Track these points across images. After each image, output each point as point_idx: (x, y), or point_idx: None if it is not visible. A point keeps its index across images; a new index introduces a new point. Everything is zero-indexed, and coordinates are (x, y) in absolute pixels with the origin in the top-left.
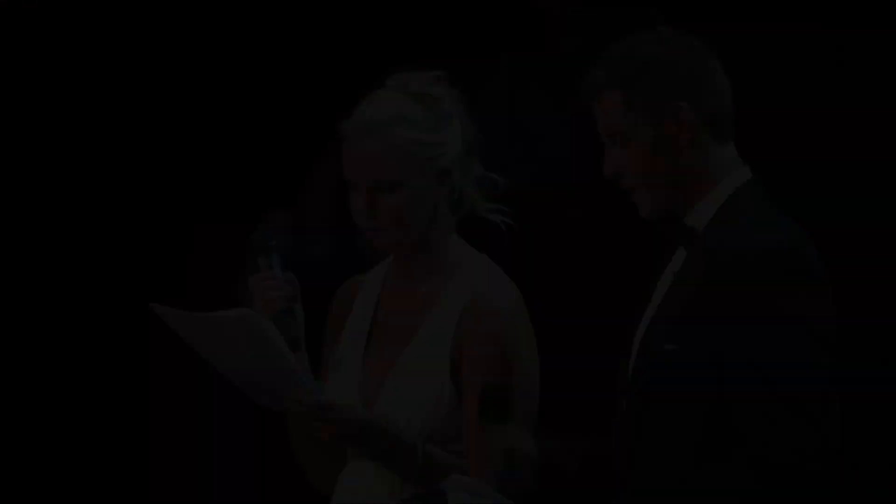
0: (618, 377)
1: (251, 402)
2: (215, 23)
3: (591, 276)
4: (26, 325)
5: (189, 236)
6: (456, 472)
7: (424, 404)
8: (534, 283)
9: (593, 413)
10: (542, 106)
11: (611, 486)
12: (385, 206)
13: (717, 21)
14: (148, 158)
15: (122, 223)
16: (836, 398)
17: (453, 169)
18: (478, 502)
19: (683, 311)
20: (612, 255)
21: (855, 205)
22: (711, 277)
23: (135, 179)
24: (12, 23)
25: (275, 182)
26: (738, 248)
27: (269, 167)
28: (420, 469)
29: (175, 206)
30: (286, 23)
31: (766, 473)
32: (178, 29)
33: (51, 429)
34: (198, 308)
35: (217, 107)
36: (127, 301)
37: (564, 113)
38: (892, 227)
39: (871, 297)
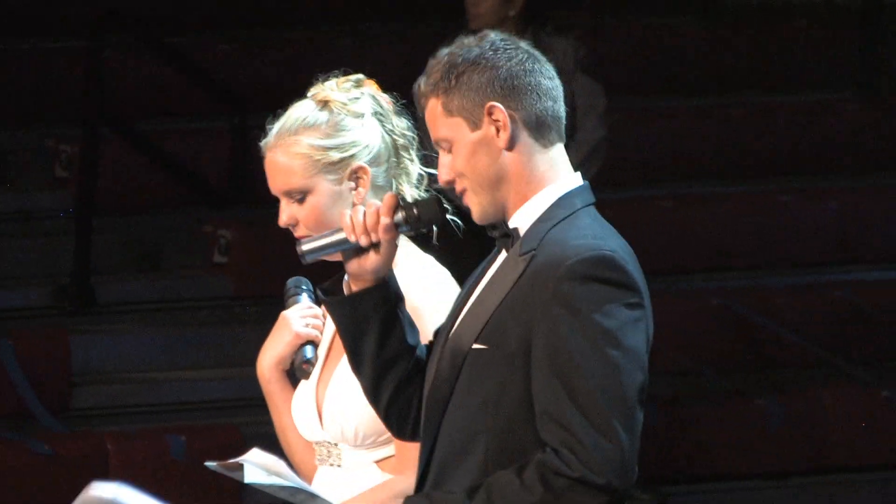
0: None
1: None
2: None
3: None
4: None
5: None
6: None
7: (357, 412)
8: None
9: None
10: None
11: None
12: (301, 217)
13: None
14: None
15: None
16: (641, 413)
17: (375, 167)
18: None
19: (494, 312)
20: None
21: None
22: (525, 282)
23: None
24: None
25: None
26: (554, 255)
27: None
28: None
29: None
30: None
31: (554, 488)
32: None
33: None
34: None
35: None
36: None
37: None
38: None
39: None
